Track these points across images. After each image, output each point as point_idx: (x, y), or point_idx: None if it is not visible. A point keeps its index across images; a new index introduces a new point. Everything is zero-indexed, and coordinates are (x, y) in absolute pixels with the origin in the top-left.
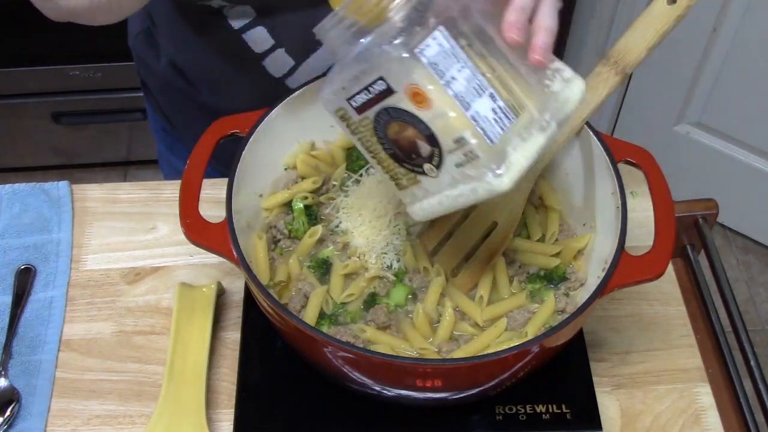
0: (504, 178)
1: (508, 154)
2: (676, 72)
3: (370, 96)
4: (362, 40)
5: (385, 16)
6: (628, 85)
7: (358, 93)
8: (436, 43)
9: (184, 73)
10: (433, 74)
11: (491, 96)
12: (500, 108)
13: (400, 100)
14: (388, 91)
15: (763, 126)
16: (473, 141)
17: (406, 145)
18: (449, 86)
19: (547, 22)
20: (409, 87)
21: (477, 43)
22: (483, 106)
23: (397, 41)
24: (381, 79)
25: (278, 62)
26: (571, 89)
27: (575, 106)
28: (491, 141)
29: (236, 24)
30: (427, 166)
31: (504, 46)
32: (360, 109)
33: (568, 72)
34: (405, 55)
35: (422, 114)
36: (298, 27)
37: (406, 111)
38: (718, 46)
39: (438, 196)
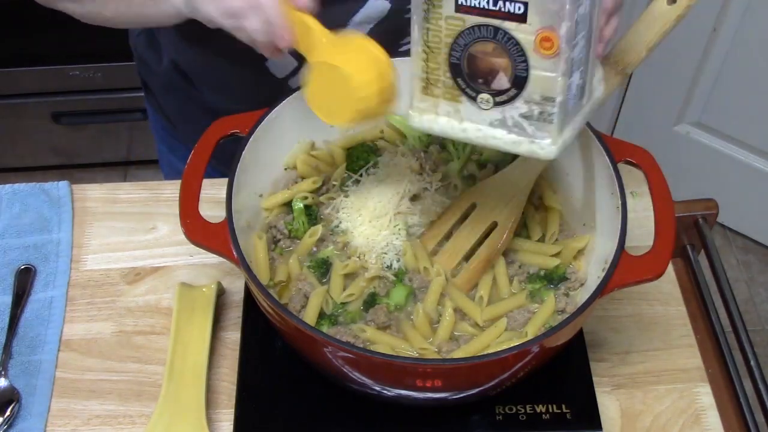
0: (554, 148)
1: (566, 130)
2: (676, 72)
3: (493, 9)
4: None
5: None
6: (628, 85)
7: None
8: (587, 3)
9: (185, 74)
10: (573, 31)
11: (581, 73)
12: (580, 87)
13: (523, 32)
14: (521, 18)
15: (763, 126)
16: (557, 108)
17: (483, 68)
18: (573, 49)
19: (616, 21)
20: (545, 30)
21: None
22: (576, 80)
23: None
24: (524, 3)
25: (281, 63)
26: (600, 89)
27: (600, 105)
28: (567, 113)
29: None
30: (484, 97)
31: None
32: (463, 9)
33: (601, 72)
34: (568, 6)
35: (534, 58)
36: None
37: (519, 46)
38: (718, 46)
39: (467, 124)
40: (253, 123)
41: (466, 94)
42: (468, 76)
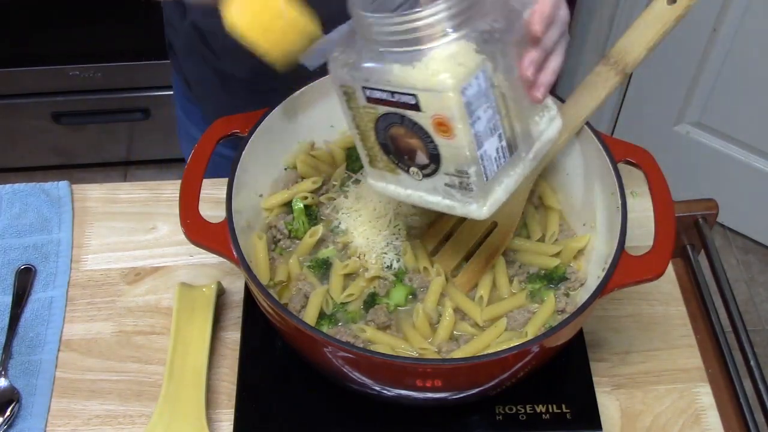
0: (484, 209)
1: (494, 190)
2: (676, 72)
3: (392, 99)
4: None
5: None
6: (628, 85)
7: (380, 90)
8: (477, 83)
9: (205, 38)
10: (466, 113)
11: (499, 136)
12: (502, 148)
13: (422, 119)
14: (415, 107)
15: (763, 126)
16: (474, 178)
17: (403, 147)
18: (473, 125)
19: (556, 62)
20: (438, 116)
21: (502, 79)
22: (491, 146)
23: (445, 75)
24: (413, 95)
25: None
26: (552, 128)
27: (552, 143)
28: (487, 178)
29: None
30: (414, 170)
31: (516, 79)
32: (372, 101)
33: (553, 110)
34: (451, 94)
35: (438, 139)
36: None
37: (424, 130)
38: (718, 46)
39: (410, 191)
40: (253, 123)
41: (400, 167)
42: (395, 155)
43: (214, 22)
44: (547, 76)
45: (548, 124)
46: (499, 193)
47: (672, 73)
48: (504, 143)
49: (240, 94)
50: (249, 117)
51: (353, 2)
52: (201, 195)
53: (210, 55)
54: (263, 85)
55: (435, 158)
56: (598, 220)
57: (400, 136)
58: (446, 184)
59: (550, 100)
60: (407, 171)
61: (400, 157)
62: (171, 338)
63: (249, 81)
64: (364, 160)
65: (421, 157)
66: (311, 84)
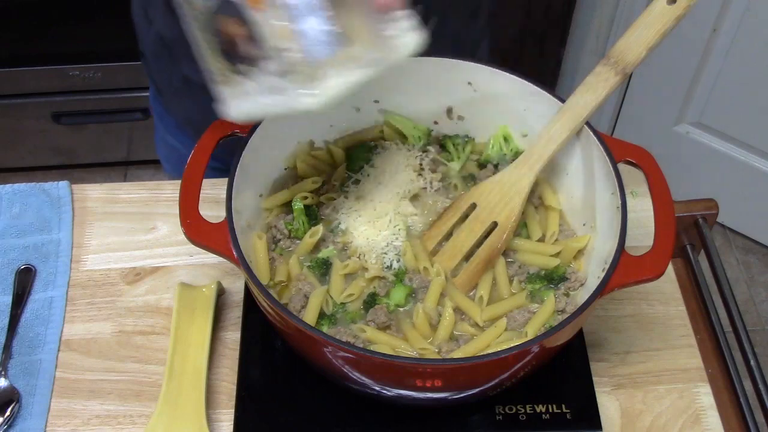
0: (315, 98)
1: (327, 76)
2: (676, 72)
3: None
4: None
5: None
6: (628, 85)
7: None
8: None
9: (169, 47)
10: None
11: (324, 19)
12: (330, 33)
13: None
14: None
15: (763, 126)
16: (297, 56)
17: (233, 41)
18: None
19: None
20: None
21: None
22: (313, 25)
23: None
24: None
25: None
26: (407, 39)
27: (406, 55)
28: (313, 60)
29: None
30: (249, 68)
31: None
32: None
33: (408, 24)
34: None
35: (255, 14)
36: None
37: (241, 5)
38: (718, 46)
39: (256, 99)
40: (253, 123)
41: (238, 72)
42: (232, 55)
43: (174, 28)
44: None
45: (400, 34)
46: (333, 81)
47: (672, 73)
48: (332, 29)
49: (206, 101)
50: None
51: None
52: (201, 195)
53: (175, 63)
54: None
55: (259, 44)
56: (598, 220)
57: (230, 31)
58: (277, 74)
59: (405, 18)
60: (242, 72)
61: (235, 55)
62: (171, 338)
63: (208, 84)
64: (218, 79)
65: (251, 48)
66: None
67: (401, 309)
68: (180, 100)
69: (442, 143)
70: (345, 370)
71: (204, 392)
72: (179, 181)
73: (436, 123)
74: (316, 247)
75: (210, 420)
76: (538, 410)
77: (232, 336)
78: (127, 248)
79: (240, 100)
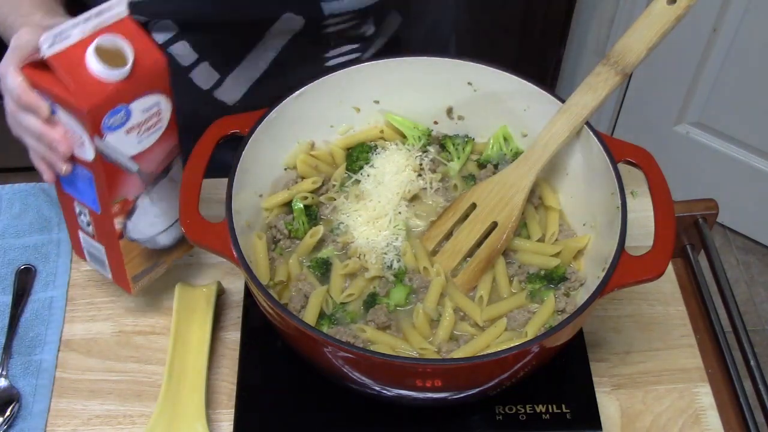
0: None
1: None
2: (676, 72)
3: None
4: None
5: None
6: (628, 85)
7: None
8: None
9: None
10: None
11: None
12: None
13: None
14: None
15: (763, 126)
16: None
17: None
18: None
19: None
20: None
21: None
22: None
23: None
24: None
25: (204, 75)
26: None
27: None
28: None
29: (160, 38)
30: None
31: None
32: None
33: None
34: None
35: None
36: (219, 43)
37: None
38: (718, 46)
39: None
40: (253, 123)
41: None
42: None
43: None
44: None
45: None
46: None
47: (672, 73)
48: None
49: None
50: (249, 117)
51: None
52: (201, 195)
53: None
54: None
55: None
56: (598, 220)
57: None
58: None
59: None
60: None
61: None
62: (171, 338)
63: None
64: None
65: None
66: (311, 84)
67: (401, 309)
68: None
69: (442, 143)
70: (345, 370)
71: (204, 392)
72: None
73: (436, 123)
74: (316, 247)
75: (210, 420)
76: (538, 410)
77: (232, 336)
78: None
79: None
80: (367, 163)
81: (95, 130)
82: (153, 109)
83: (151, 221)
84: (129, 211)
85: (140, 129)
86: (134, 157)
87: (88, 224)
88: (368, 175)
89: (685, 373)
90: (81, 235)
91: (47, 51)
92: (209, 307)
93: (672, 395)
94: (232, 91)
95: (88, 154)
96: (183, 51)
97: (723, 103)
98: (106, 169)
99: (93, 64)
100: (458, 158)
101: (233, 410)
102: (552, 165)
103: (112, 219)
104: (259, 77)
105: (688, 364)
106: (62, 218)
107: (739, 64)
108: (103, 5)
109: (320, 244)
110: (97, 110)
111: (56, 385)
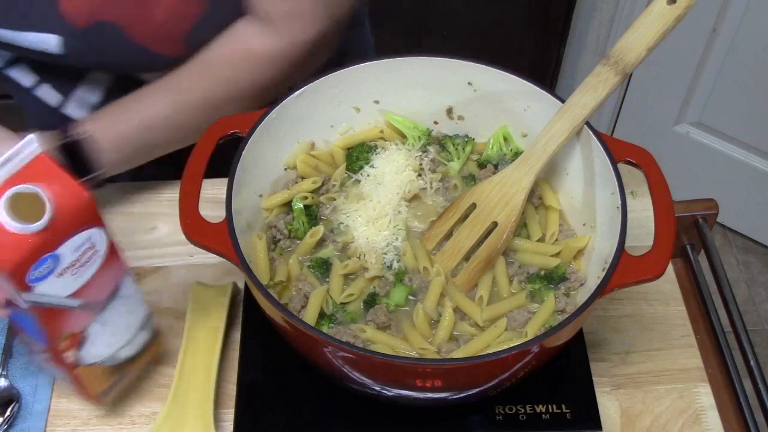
0: None
1: None
2: (676, 72)
3: None
4: None
5: None
6: (628, 85)
7: None
8: None
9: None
10: None
11: None
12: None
13: None
14: None
15: (763, 126)
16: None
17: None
18: None
19: None
20: None
21: None
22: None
23: None
24: None
25: (48, 95)
26: None
27: None
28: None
29: None
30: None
31: None
32: None
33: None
34: None
35: None
36: (57, 66)
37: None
38: (718, 46)
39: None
40: (253, 123)
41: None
42: None
43: None
44: None
45: None
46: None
47: (672, 73)
48: None
49: None
50: (249, 117)
51: None
52: (201, 195)
53: None
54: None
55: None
56: (598, 220)
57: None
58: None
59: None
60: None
61: None
62: (183, 338)
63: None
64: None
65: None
66: (311, 84)
67: (401, 309)
68: None
69: (442, 143)
70: (345, 370)
71: (213, 393)
72: (179, 181)
73: (436, 123)
74: (316, 247)
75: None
76: (538, 410)
77: (232, 336)
78: (128, 248)
79: None
80: (367, 163)
81: (21, 286)
82: (85, 246)
83: (107, 341)
84: (80, 342)
85: (74, 267)
86: (73, 294)
87: (43, 352)
88: (368, 175)
89: (685, 373)
90: (38, 358)
91: None
92: (223, 308)
93: (672, 395)
94: (79, 107)
95: (20, 303)
96: (22, 74)
97: (723, 103)
98: (44, 313)
99: (6, 220)
100: (458, 158)
101: (233, 410)
102: (552, 165)
103: (62, 354)
104: (100, 102)
105: (688, 364)
106: None
107: (739, 64)
108: (12, 150)
109: (320, 244)
110: (18, 268)
111: (56, 385)
